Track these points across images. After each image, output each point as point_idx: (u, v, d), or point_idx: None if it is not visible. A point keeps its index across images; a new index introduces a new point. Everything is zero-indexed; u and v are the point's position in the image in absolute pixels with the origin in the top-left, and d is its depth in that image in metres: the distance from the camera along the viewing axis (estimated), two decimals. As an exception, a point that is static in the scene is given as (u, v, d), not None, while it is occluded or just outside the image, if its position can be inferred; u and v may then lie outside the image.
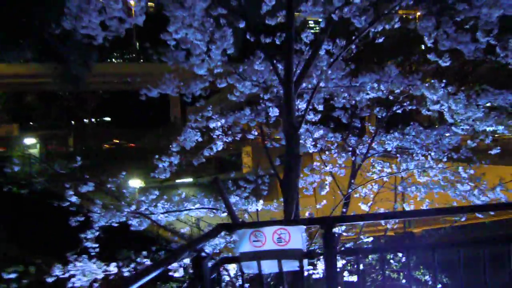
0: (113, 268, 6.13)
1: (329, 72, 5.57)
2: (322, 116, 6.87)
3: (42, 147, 38.84)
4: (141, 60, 53.44)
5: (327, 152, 7.15)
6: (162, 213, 6.15)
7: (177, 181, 29.08)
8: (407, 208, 6.30)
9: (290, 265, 3.08)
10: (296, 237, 3.08)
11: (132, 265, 6.47)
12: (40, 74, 38.11)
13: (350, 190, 6.15)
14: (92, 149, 45.18)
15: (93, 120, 60.48)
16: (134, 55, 58.90)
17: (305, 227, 3.06)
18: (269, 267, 3.08)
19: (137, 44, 57.63)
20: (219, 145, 6.55)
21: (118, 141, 50.24)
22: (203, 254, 2.71)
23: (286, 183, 4.95)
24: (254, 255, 3.06)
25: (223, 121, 6.43)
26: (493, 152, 5.63)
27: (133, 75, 36.76)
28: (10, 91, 46.21)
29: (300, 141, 5.67)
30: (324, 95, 6.31)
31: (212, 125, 6.39)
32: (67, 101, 52.27)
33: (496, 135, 5.84)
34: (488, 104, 5.44)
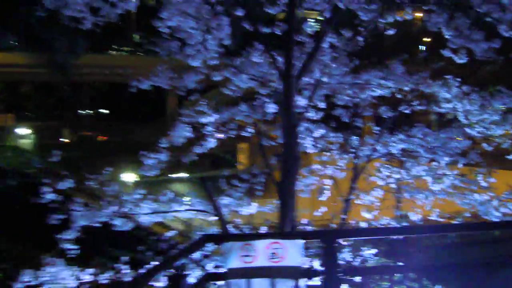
0: (87, 276, 5.72)
1: (333, 66, 5.24)
2: (322, 115, 6.55)
3: (36, 138, 38.46)
4: (142, 54, 53.12)
5: (327, 153, 6.76)
6: (146, 214, 5.76)
7: (171, 175, 28.76)
8: (411, 216, 5.92)
9: (284, 285, 2.70)
10: (292, 253, 2.67)
11: (111, 273, 6.06)
12: (34, 63, 37.48)
13: (352, 197, 5.76)
14: (87, 141, 44.91)
15: (89, 112, 60.15)
16: (132, 48, 58.56)
17: (304, 241, 2.66)
18: (260, 286, 2.70)
19: (137, 37, 57.23)
20: (211, 142, 6.20)
21: (90, 133, 49.83)
22: (183, 270, 2.32)
23: (282, 187, 4.59)
24: (243, 272, 2.67)
25: (217, 116, 6.07)
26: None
27: (130, 68, 36.37)
28: (4, 80, 45.65)
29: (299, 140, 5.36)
30: (326, 91, 5.97)
31: (204, 120, 6.04)
32: (63, 92, 51.94)
33: (491, 138, 5.48)
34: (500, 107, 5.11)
